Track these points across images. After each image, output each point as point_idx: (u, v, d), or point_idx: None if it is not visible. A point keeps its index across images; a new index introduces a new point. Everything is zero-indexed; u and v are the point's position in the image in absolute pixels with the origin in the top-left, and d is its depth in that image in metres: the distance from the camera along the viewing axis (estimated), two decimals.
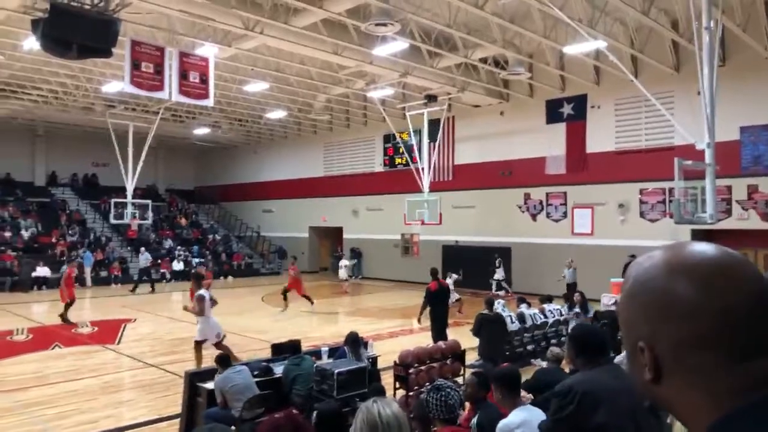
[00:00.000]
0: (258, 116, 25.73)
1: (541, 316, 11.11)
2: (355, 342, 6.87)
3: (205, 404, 6.33)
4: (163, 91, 14.32)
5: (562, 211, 20.40)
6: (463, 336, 9.77)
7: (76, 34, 11.87)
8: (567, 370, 5.24)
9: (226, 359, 6.31)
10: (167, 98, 15.12)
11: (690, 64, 13.86)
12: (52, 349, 11.86)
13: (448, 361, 7.48)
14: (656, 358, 0.78)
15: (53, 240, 25.60)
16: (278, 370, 7.00)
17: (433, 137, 21.35)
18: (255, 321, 15.47)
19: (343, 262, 22.43)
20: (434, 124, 21.43)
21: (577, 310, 10.90)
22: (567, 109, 19.95)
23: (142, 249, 24.08)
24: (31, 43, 13.38)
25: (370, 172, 26.98)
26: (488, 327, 9.21)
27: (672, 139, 16.69)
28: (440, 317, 11.02)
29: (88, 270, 23.87)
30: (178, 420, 6.95)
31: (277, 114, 24.47)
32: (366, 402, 2.00)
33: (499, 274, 20.52)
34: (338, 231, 28.57)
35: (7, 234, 24.84)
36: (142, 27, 14.36)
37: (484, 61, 17.64)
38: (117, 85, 17.74)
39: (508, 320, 10.24)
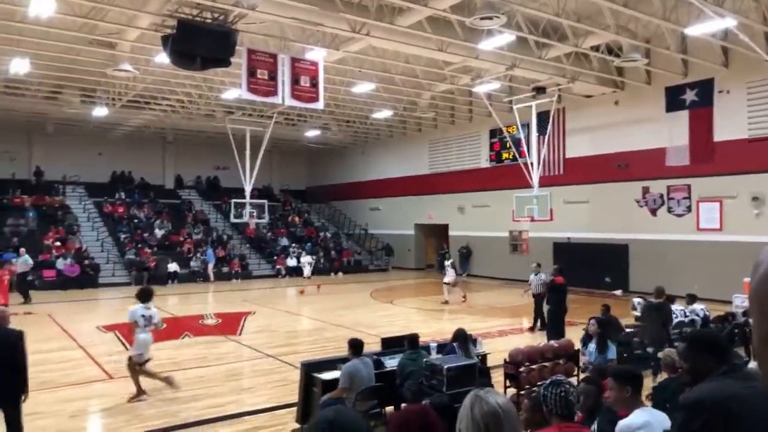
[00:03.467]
0: (365, 116, 26.31)
1: None
2: (464, 338, 6.86)
3: (320, 394, 6.59)
4: (276, 96, 15.07)
5: (686, 205, 18.96)
6: (576, 336, 9.41)
7: (200, 47, 12.86)
8: None
9: (359, 346, 6.51)
10: (280, 103, 15.87)
11: None
12: (183, 338, 12.90)
13: (561, 361, 7.24)
14: None
15: (181, 238, 27.81)
16: (388, 363, 7.15)
17: (542, 130, 20.68)
18: (364, 316, 15.88)
19: (306, 259, 21.73)
20: (543, 116, 20.75)
21: (591, 349, 7.26)
22: (690, 96, 18.50)
23: (22, 250, 20.11)
24: (162, 58, 14.66)
25: (476, 168, 26.68)
26: (656, 314, 9.04)
27: None
28: (558, 313, 10.88)
29: (210, 266, 25.71)
30: (294, 408, 7.30)
31: (383, 113, 24.88)
32: (473, 393, 1.94)
33: (449, 276, 18.62)
34: (444, 228, 28.54)
35: (145, 234, 27.36)
36: (256, 36, 15.19)
37: (596, 48, 16.81)
38: (235, 93, 18.91)
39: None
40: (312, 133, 29.16)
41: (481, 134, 26.32)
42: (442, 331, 12.21)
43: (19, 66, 17.41)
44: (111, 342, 12.36)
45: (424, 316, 16.21)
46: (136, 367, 8.12)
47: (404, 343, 7.11)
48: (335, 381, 6.40)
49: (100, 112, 23.22)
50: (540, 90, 19.94)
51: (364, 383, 6.23)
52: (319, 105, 16.03)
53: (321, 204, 36.69)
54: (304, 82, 15.30)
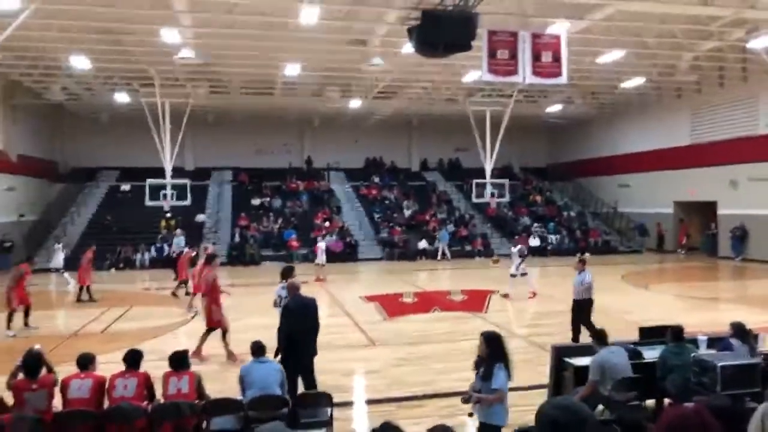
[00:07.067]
0: (612, 87, 24.46)
1: None
2: (743, 333, 6.03)
3: (572, 379, 6.45)
4: (517, 75, 14.84)
5: None
6: None
7: (443, 34, 13.33)
8: None
9: (603, 336, 6.27)
10: (521, 82, 15.60)
11: None
12: (432, 312, 13.72)
13: None
14: None
15: (427, 217, 29.46)
16: (648, 354, 6.66)
17: None
18: (616, 299, 14.89)
19: (321, 245, 18.95)
20: None
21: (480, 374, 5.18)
22: None
23: (178, 231, 22.82)
24: (407, 49, 15.57)
25: (752, 136, 22.84)
26: None
27: None
28: None
29: (444, 245, 26.43)
30: (544, 390, 7.26)
31: (634, 81, 22.85)
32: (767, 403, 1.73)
33: (514, 266, 15.30)
34: (710, 206, 25.13)
35: (395, 214, 29.68)
36: (495, 16, 15.12)
37: None
38: (475, 75, 19.18)
39: None
40: (553, 108, 28.16)
41: (760, 96, 22.45)
42: (711, 322, 10.86)
43: (293, 69, 20.22)
44: (371, 311, 13.75)
45: (687, 305, 14.59)
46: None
47: (666, 334, 6.54)
48: (587, 368, 6.18)
49: (355, 104, 25.71)
50: None
51: (618, 373, 5.90)
52: (563, 80, 15.28)
53: (563, 181, 35.30)
54: (546, 57, 14.76)
